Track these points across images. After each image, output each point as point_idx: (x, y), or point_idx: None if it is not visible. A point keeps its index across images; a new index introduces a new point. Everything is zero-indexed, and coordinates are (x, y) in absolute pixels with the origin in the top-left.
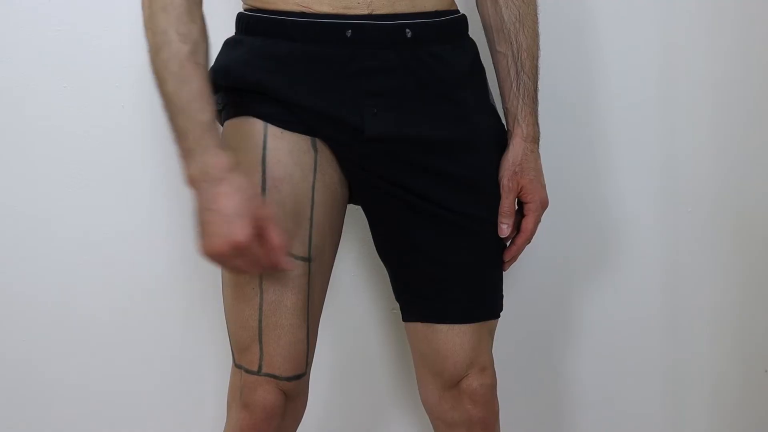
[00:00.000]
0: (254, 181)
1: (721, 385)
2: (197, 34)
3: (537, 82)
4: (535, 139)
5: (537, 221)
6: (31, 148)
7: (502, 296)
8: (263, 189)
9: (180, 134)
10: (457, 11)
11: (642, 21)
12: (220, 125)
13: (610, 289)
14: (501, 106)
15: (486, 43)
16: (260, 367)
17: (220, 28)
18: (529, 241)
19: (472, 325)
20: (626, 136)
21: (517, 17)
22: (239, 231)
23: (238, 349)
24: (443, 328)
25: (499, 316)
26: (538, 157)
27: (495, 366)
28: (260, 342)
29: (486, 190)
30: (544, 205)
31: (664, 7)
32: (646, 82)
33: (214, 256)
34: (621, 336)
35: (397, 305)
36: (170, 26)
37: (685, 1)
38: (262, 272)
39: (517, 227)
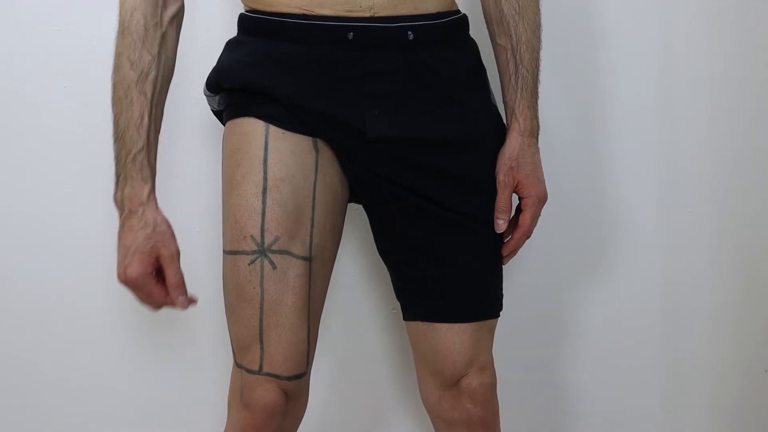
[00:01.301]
0: (161, 219)
1: (721, 385)
2: (149, 62)
3: (537, 75)
4: (532, 133)
5: (534, 216)
6: (31, 148)
7: (501, 296)
8: (264, 189)
9: (116, 157)
10: (458, 11)
11: (642, 20)
12: (147, 164)
13: (610, 289)
14: (501, 99)
15: (488, 41)
16: (261, 366)
17: (223, 28)
18: (528, 236)
19: (471, 324)
20: (626, 136)
21: (517, 10)
22: (131, 267)
23: (238, 348)
24: (443, 327)
25: (498, 316)
26: (536, 151)
27: (495, 365)
28: (261, 341)
29: (487, 190)
30: (541, 200)
31: (665, 7)
32: (646, 82)
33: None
34: (621, 336)
35: (397, 305)
36: (123, 51)
37: (685, 0)
38: (158, 308)
39: (516, 222)
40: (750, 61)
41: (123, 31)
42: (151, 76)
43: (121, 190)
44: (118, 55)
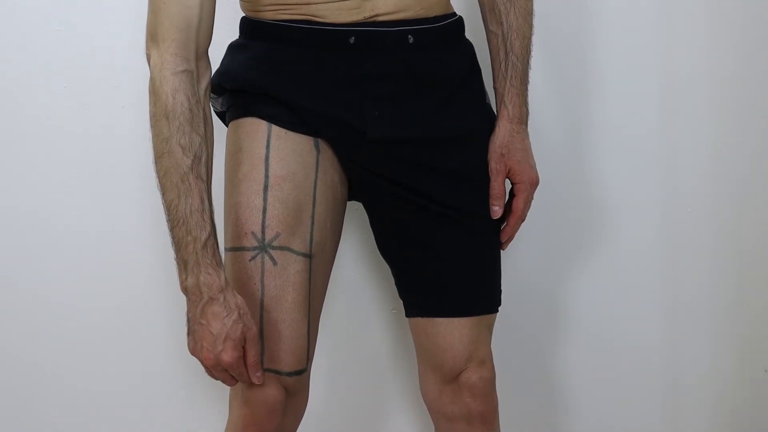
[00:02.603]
0: (241, 302)
1: (721, 384)
2: (199, 144)
3: (528, 62)
4: (521, 119)
5: (527, 200)
6: (31, 148)
7: (500, 291)
8: (266, 186)
9: (177, 245)
10: (455, 14)
11: (643, 18)
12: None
13: (610, 287)
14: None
15: (485, 42)
16: (261, 362)
17: (225, 31)
18: (523, 220)
19: (470, 318)
20: (626, 136)
21: None
22: (226, 353)
23: None
24: (442, 322)
25: (497, 311)
26: (525, 137)
27: (494, 360)
28: (261, 337)
29: (484, 187)
30: (533, 184)
31: (665, 5)
32: (646, 81)
33: (200, 361)
34: (621, 336)
35: (397, 305)
36: (172, 136)
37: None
38: (235, 383)
39: (510, 207)
40: (751, 60)
41: (167, 115)
42: (203, 158)
43: (195, 277)
44: (164, 141)
